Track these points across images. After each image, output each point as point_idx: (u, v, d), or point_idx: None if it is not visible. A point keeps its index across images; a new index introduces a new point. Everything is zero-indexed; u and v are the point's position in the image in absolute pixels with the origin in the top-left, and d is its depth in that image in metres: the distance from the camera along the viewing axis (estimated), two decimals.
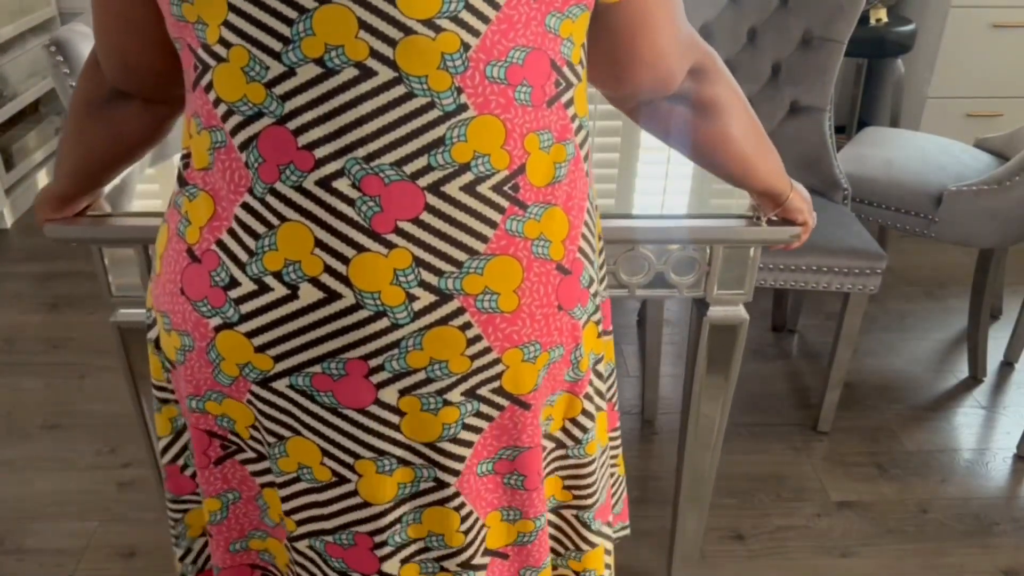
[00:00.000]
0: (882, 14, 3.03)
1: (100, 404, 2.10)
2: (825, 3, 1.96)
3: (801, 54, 2.03)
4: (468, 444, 0.79)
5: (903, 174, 2.09)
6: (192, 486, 0.94)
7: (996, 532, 1.76)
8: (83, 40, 1.29)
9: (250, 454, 0.85)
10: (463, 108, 0.69)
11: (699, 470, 1.43)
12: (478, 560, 0.87)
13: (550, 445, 0.88)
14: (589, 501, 0.94)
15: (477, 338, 0.74)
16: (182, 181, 0.78)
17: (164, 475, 0.94)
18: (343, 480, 0.81)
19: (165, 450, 0.92)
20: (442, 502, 0.82)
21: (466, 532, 0.84)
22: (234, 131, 0.70)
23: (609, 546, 1.00)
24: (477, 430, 0.79)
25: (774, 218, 1.12)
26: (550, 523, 0.95)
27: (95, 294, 2.59)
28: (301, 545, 0.87)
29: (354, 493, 0.81)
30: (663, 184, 1.28)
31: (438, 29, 0.66)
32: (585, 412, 0.87)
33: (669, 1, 0.78)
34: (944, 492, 1.87)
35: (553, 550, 0.99)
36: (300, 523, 0.85)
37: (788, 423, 2.08)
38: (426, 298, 0.72)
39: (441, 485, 0.81)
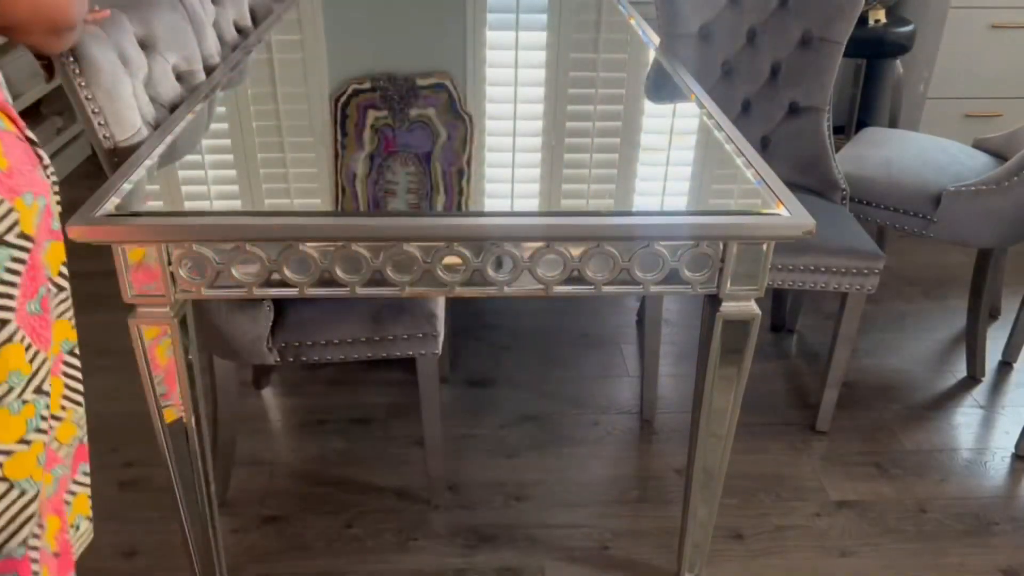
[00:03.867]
0: (881, 15, 3.03)
1: (100, 404, 2.10)
2: (825, 3, 1.96)
3: (800, 54, 2.03)
4: None
5: (902, 174, 2.09)
6: None
7: (995, 531, 1.77)
8: (92, 39, 1.29)
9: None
10: None
11: (711, 460, 1.44)
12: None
13: None
14: None
15: None
16: None
17: None
18: None
19: None
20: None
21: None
22: None
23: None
24: None
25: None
26: None
27: (95, 294, 2.58)
28: None
29: None
30: (662, 184, 1.28)
31: None
32: None
33: None
34: (943, 492, 1.88)
35: None
36: None
37: (787, 423, 2.09)
38: None
39: None
